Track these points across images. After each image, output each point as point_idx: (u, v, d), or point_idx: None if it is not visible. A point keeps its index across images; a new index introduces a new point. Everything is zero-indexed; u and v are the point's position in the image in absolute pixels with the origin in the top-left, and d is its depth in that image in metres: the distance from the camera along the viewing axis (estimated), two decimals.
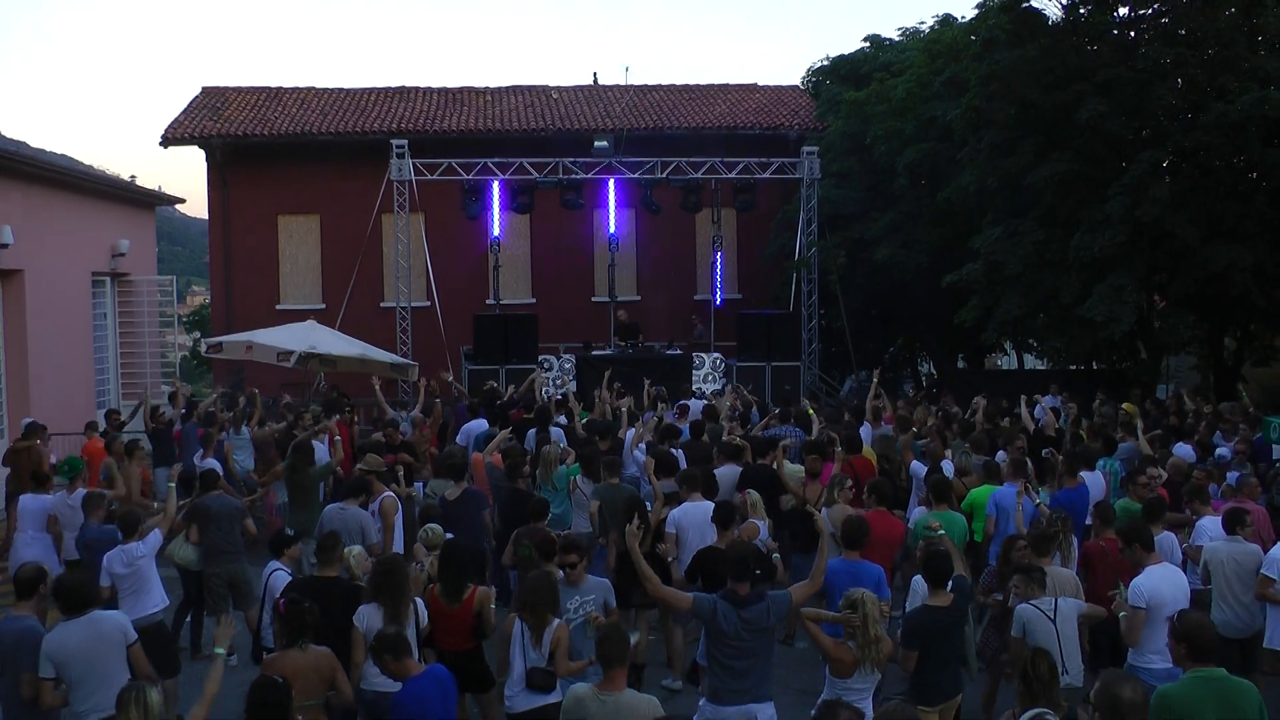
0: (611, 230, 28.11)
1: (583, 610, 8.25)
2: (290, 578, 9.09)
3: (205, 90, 32.00)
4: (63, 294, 21.26)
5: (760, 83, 34.98)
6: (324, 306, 27.77)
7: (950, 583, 7.90)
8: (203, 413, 17.11)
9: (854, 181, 27.62)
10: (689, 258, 30.25)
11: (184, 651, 11.00)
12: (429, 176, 25.80)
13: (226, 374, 24.43)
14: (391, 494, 11.43)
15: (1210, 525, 10.06)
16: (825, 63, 32.71)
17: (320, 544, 8.63)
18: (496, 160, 25.88)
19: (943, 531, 9.46)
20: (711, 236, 28.82)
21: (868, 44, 31.65)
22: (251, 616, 11.24)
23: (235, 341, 21.26)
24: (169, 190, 31.29)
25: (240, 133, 28.83)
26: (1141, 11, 21.61)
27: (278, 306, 28.52)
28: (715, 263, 28.87)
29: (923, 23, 31.28)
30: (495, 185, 26.41)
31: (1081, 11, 21.57)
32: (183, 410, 17.64)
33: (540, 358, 24.39)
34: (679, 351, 25.01)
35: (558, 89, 33.57)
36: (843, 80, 30.59)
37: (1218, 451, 14.26)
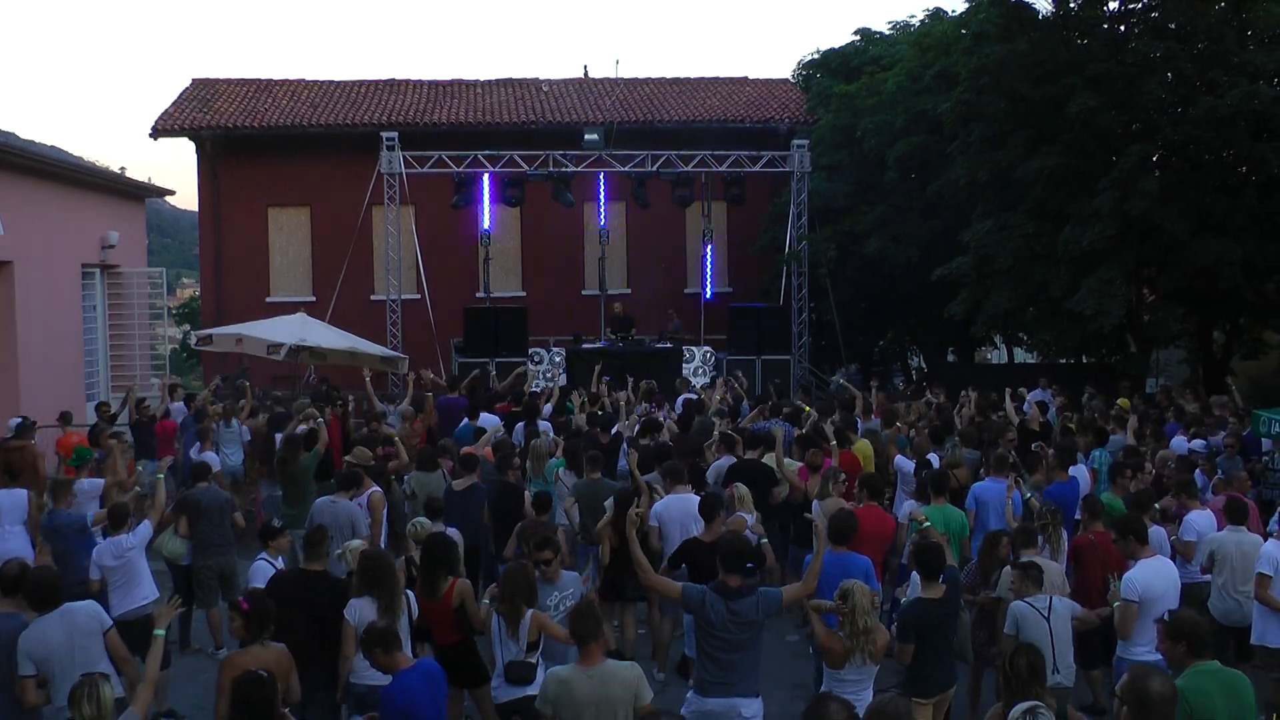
0: (602, 223, 28.10)
1: (563, 605, 8.25)
2: (272, 569, 9.11)
3: (195, 82, 31.93)
4: (52, 286, 21.21)
5: (751, 76, 35.01)
6: (314, 299, 27.73)
7: (942, 575, 7.94)
8: (198, 406, 17.11)
9: (844, 175, 27.64)
10: (679, 251, 30.25)
11: (173, 645, 11.00)
12: (419, 169, 25.77)
13: (232, 367, 24.35)
14: (379, 489, 11.43)
15: (1197, 519, 10.11)
16: (816, 56, 32.70)
17: (308, 538, 8.63)
18: (487, 153, 25.86)
19: (929, 524, 9.51)
20: (702, 229, 28.81)
21: (858, 37, 31.63)
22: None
23: (225, 334, 21.22)
24: (159, 182, 31.29)
25: (230, 124, 28.78)
26: (1131, 6, 21.66)
27: (268, 299, 28.49)
28: (705, 256, 28.85)
29: (913, 16, 31.45)
30: (485, 178, 26.40)
31: (1071, 5, 21.61)
32: (180, 403, 17.66)
33: (530, 350, 24.41)
34: (669, 345, 25.03)
35: (548, 82, 33.52)
36: (833, 73, 30.59)
37: (1191, 442, 14.35)
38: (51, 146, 42.64)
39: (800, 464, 12.21)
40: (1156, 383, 24.36)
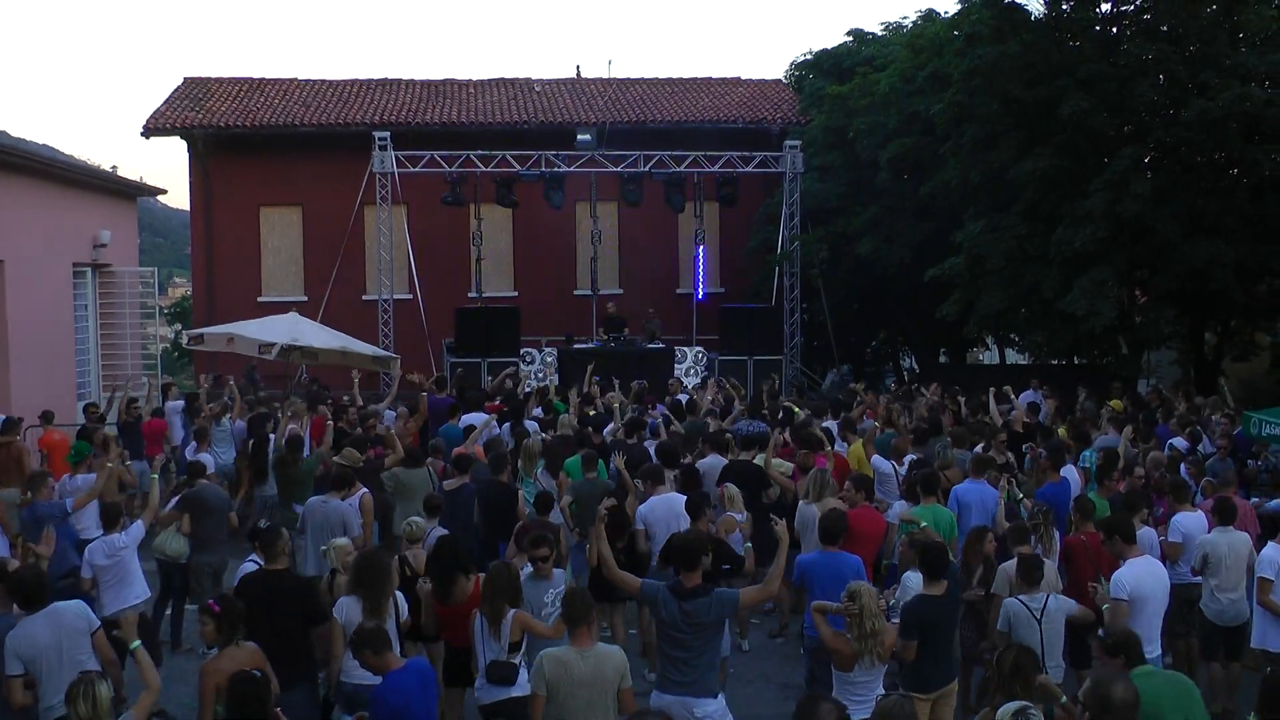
0: (594, 223, 28.12)
1: (559, 602, 8.25)
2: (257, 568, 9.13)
3: (187, 80, 31.87)
4: (43, 285, 21.17)
5: (743, 76, 35.02)
6: (306, 299, 27.70)
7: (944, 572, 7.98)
8: (198, 406, 17.11)
9: (836, 176, 27.65)
10: (671, 251, 30.24)
11: (164, 645, 11.01)
12: (411, 169, 25.77)
13: (223, 366, 24.30)
14: (369, 491, 11.43)
15: (1184, 521, 10.13)
16: (808, 56, 32.73)
17: (263, 538, 8.58)
18: (479, 153, 25.85)
19: (925, 524, 9.52)
20: (694, 230, 28.83)
21: (851, 38, 31.66)
22: None
23: (217, 333, 21.15)
24: (151, 181, 31.26)
25: (222, 124, 28.74)
26: (1123, 8, 21.68)
27: (259, 298, 28.45)
28: (698, 256, 28.87)
29: (905, 17, 31.35)
30: (477, 178, 26.39)
31: (1064, 7, 21.62)
32: (177, 402, 17.66)
33: (522, 350, 24.43)
34: (661, 345, 25.04)
35: (540, 82, 33.52)
36: (825, 74, 30.60)
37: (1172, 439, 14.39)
38: (43, 145, 42.57)
39: (793, 464, 12.22)
40: (1148, 384, 24.38)
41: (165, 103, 29.93)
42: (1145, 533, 9.72)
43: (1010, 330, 27.12)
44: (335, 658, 7.87)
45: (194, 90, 31.01)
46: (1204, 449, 14.44)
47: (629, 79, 34.23)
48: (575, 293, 29.67)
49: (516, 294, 29.37)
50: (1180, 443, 14.20)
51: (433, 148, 25.96)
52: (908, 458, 12.64)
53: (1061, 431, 14.43)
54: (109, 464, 12.38)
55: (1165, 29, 20.85)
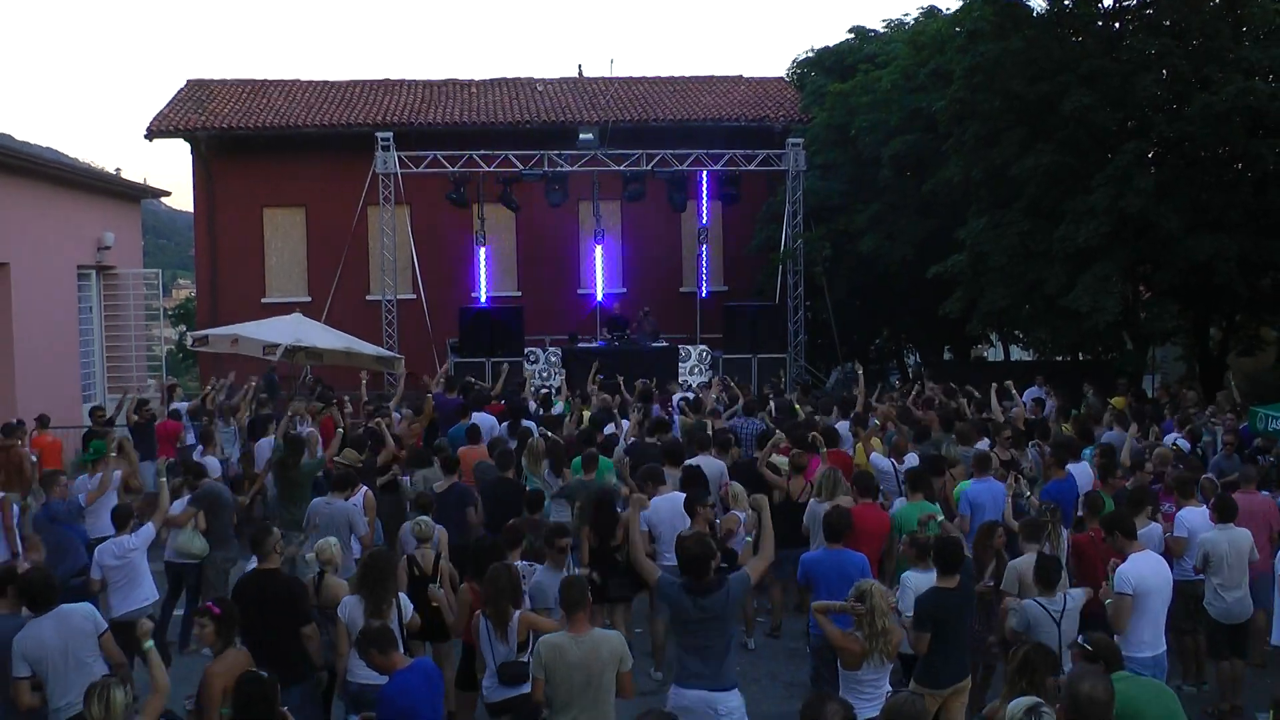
0: (597, 222, 28.13)
1: None
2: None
3: (190, 83, 31.87)
4: (48, 287, 21.23)
5: (745, 74, 34.97)
6: (310, 299, 27.72)
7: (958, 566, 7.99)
8: (193, 409, 17.12)
9: (839, 173, 27.62)
10: (675, 250, 30.22)
11: (172, 645, 11.03)
12: (414, 169, 25.78)
13: (227, 368, 24.33)
14: (369, 490, 11.46)
15: (1189, 516, 10.12)
16: (810, 54, 32.66)
17: (253, 538, 8.59)
18: (482, 153, 25.85)
19: (941, 518, 9.53)
20: (697, 228, 28.82)
21: (852, 35, 31.59)
22: None
23: (221, 335, 21.24)
24: (154, 183, 31.29)
25: (225, 125, 28.74)
26: (1126, 3, 21.64)
27: (263, 299, 28.45)
28: (701, 255, 28.88)
29: (907, 14, 31.26)
30: (480, 178, 26.40)
31: (1066, 3, 21.55)
32: (183, 404, 17.68)
33: (526, 350, 24.44)
34: (665, 344, 25.05)
35: (543, 81, 33.49)
36: (827, 72, 30.56)
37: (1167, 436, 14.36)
38: (47, 148, 42.69)
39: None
40: (1153, 380, 24.38)
41: (168, 105, 29.94)
42: (1150, 529, 9.73)
43: (1014, 327, 27.09)
44: (340, 656, 7.89)
45: (197, 92, 31.01)
46: (1204, 448, 14.45)
47: (631, 78, 34.20)
48: (579, 292, 29.67)
49: (520, 294, 29.36)
50: (1181, 441, 14.18)
51: (435, 148, 25.96)
52: (908, 456, 12.65)
53: (1066, 428, 14.41)
54: (113, 460, 12.43)
55: (1168, 23, 20.79)
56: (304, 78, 32.92)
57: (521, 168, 25.73)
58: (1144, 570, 8.20)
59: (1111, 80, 20.11)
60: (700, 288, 28.86)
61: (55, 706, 7.29)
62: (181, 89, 31.32)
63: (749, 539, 9.84)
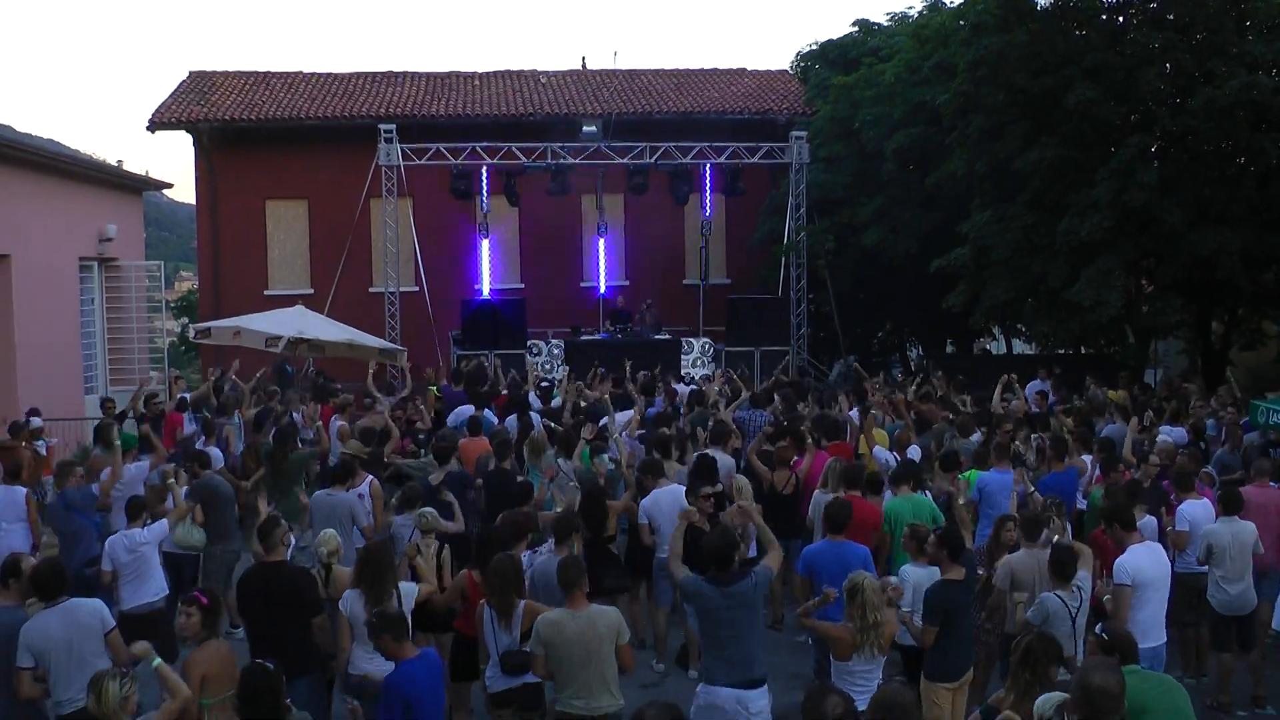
0: (600, 215, 28.09)
1: None
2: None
3: (193, 74, 31.85)
4: (50, 279, 21.22)
5: (749, 67, 34.97)
6: (312, 292, 27.71)
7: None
8: (195, 400, 17.11)
9: (842, 166, 27.61)
10: (677, 242, 30.20)
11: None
12: (417, 161, 25.76)
13: (229, 360, 24.34)
14: (376, 479, 11.45)
15: (1190, 509, 10.12)
16: (814, 47, 32.62)
17: (259, 530, 8.58)
18: (484, 145, 25.83)
19: (963, 500, 9.51)
20: (700, 221, 28.82)
21: (856, 29, 31.55)
22: (231, 597, 11.45)
23: (223, 327, 21.23)
24: (156, 175, 31.34)
25: (228, 117, 28.72)
26: None
27: (266, 292, 28.44)
28: (703, 247, 28.87)
29: (911, 7, 31.16)
30: (483, 170, 26.39)
31: None
32: (185, 394, 17.71)
33: (529, 343, 24.44)
34: (667, 336, 25.05)
35: (546, 74, 33.46)
36: (831, 65, 30.53)
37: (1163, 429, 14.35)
38: (49, 140, 42.68)
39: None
40: (1155, 374, 24.37)
41: (171, 96, 29.91)
42: (1147, 521, 9.74)
43: (1016, 321, 27.12)
44: (342, 649, 7.89)
45: (199, 84, 30.99)
46: (1208, 441, 14.43)
47: (634, 70, 34.14)
48: (582, 284, 29.67)
49: (522, 286, 29.35)
50: (1179, 433, 14.17)
51: (438, 140, 25.93)
52: (910, 448, 12.64)
53: (1068, 421, 14.41)
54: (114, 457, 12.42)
55: (1171, 17, 20.79)
56: (307, 69, 32.89)
57: (524, 160, 25.71)
58: (1143, 561, 8.23)
59: (1115, 74, 20.10)
60: (703, 280, 28.85)
61: (57, 700, 7.29)
62: (184, 81, 31.29)
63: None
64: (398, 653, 6.82)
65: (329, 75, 32.39)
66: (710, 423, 13.73)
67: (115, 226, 23.81)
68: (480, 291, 27.32)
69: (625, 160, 26.17)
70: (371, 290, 28.39)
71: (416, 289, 27.21)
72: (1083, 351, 25.72)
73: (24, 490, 11.62)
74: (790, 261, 27.03)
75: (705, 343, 25.70)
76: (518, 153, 25.76)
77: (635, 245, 29.86)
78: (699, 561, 7.77)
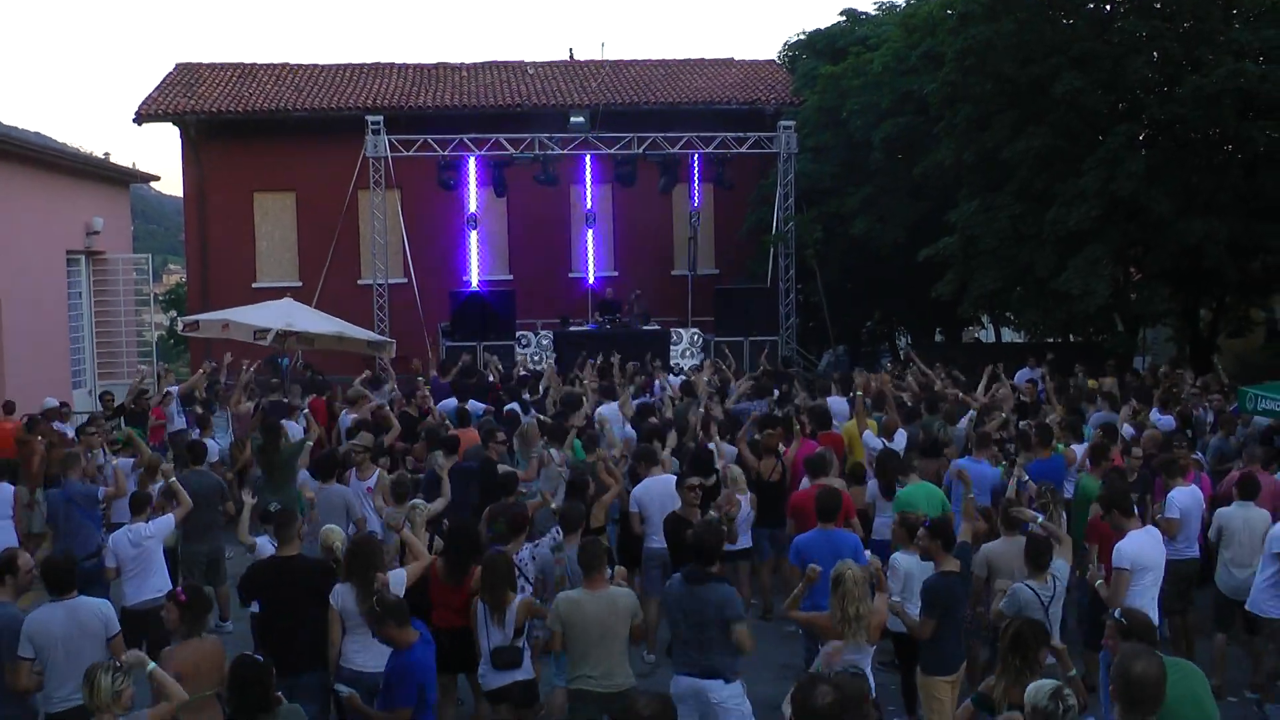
0: (588, 205, 28.05)
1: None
2: (272, 548, 9.17)
3: (179, 66, 31.73)
4: (37, 272, 21.17)
5: (737, 57, 34.90)
6: (300, 284, 27.64)
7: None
8: (183, 393, 17.09)
9: (830, 156, 27.60)
10: (666, 233, 30.19)
11: None
12: (405, 153, 25.70)
13: (219, 353, 24.25)
14: (384, 470, 11.42)
15: (1179, 496, 10.15)
16: (801, 37, 32.60)
17: (277, 523, 8.55)
18: (472, 136, 25.78)
19: (973, 492, 9.52)
20: (688, 211, 28.81)
21: (844, 18, 31.52)
22: (223, 592, 11.42)
23: (212, 320, 21.16)
24: (143, 167, 31.17)
25: (215, 109, 28.62)
26: None
27: (254, 284, 28.37)
28: (692, 238, 28.87)
29: None
30: (471, 161, 26.34)
31: None
32: (172, 388, 17.67)
33: (518, 334, 24.43)
34: (656, 327, 25.05)
35: (534, 64, 33.38)
36: (819, 54, 30.50)
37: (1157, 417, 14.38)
38: (35, 132, 42.48)
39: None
40: (1144, 362, 24.42)
41: (157, 89, 29.79)
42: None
43: (1005, 309, 27.15)
44: (333, 644, 7.87)
45: (186, 76, 30.87)
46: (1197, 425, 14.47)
47: (622, 61, 34.06)
48: (570, 275, 29.65)
49: (511, 277, 29.31)
50: (1169, 421, 14.21)
51: (426, 131, 25.87)
52: (897, 434, 12.67)
53: (1059, 409, 14.45)
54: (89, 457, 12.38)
55: (1159, 5, 20.82)
56: (293, 61, 32.79)
57: (512, 151, 25.68)
58: (1140, 546, 8.28)
59: (1102, 63, 20.13)
60: (691, 271, 28.85)
61: (49, 694, 7.25)
62: (170, 73, 31.18)
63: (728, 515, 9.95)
64: (402, 639, 6.87)
65: (316, 67, 32.29)
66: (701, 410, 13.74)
67: (102, 219, 23.76)
68: (469, 283, 27.32)
69: (613, 151, 26.14)
70: (360, 282, 28.32)
71: (405, 281, 27.16)
72: (1071, 340, 25.77)
73: (12, 489, 11.62)
74: (779, 251, 27.03)
75: (694, 333, 25.71)
76: (505, 144, 25.72)
77: (624, 236, 29.86)
78: (683, 553, 7.81)
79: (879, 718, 6.31)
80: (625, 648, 7.43)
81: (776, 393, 16.23)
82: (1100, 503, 8.96)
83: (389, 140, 25.60)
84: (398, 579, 8.06)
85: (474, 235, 27.54)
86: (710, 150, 26.61)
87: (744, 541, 11.47)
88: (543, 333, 24.92)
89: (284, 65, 32.33)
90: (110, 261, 24.67)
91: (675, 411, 14.80)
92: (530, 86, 30.95)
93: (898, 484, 10.50)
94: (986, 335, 35.54)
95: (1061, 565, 8.15)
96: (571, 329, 24.82)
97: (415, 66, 32.74)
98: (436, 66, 32.80)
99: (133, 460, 12.30)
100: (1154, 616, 8.36)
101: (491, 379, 17.74)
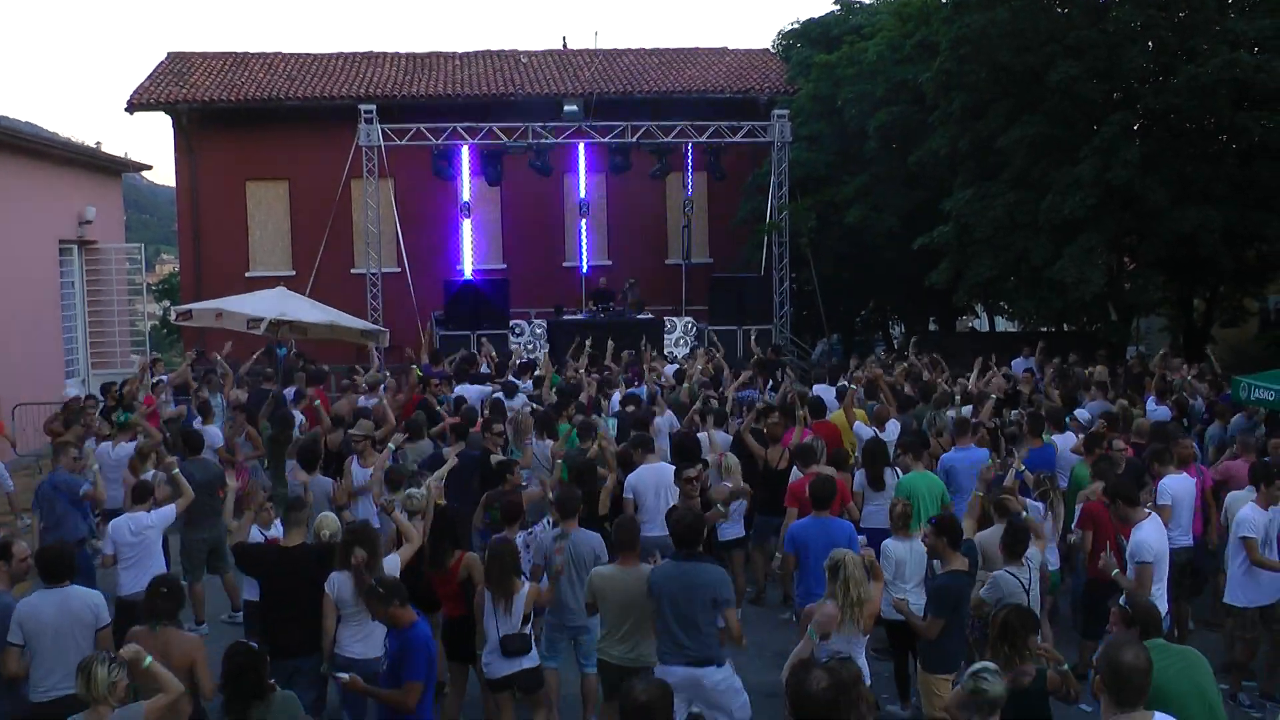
0: (582, 194, 27.99)
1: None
2: (261, 538, 9.17)
3: (171, 55, 31.64)
4: (29, 262, 21.09)
5: (731, 46, 34.82)
6: (294, 273, 27.60)
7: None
8: (175, 384, 17.06)
9: (825, 145, 27.58)
10: (660, 222, 30.16)
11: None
12: (398, 142, 25.62)
13: (210, 342, 24.17)
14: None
15: (1171, 483, 10.15)
16: (796, 26, 32.59)
17: (286, 510, 8.56)
18: (465, 125, 25.71)
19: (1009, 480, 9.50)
20: (682, 200, 28.77)
21: (838, 7, 31.53)
22: (229, 580, 11.42)
23: (205, 309, 21.16)
24: (135, 157, 31.03)
25: (207, 98, 28.54)
26: None
27: (247, 274, 28.32)
28: (686, 227, 28.83)
29: None
30: (464, 150, 26.27)
31: None
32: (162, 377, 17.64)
33: (511, 323, 24.38)
34: (650, 315, 25.03)
35: (527, 53, 33.33)
36: (813, 43, 30.48)
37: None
38: (26, 121, 42.35)
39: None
40: (1137, 350, 24.44)
41: (149, 78, 29.70)
42: None
43: (999, 298, 27.17)
44: (326, 632, 7.86)
45: (178, 65, 30.78)
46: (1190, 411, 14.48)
47: (616, 49, 34.00)
48: (564, 264, 29.60)
49: (505, 266, 29.27)
50: (1164, 411, 14.22)
51: (419, 120, 25.80)
52: (890, 423, 12.66)
53: (1058, 395, 14.49)
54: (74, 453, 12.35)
55: None
56: (286, 50, 32.74)
57: (505, 140, 25.62)
58: (1154, 536, 8.34)
59: (1098, 52, 20.11)
60: (685, 260, 28.82)
61: (36, 683, 7.22)
62: (162, 62, 31.08)
63: (718, 506, 9.94)
64: (402, 618, 6.92)
65: (308, 55, 32.22)
66: (703, 401, 13.72)
67: (94, 209, 23.67)
68: (462, 272, 27.26)
69: (607, 140, 26.09)
70: (353, 271, 28.26)
71: (398, 270, 27.08)
72: (1065, 329, 25.78)
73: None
74: (773, 240, 26.99)
75: (688, 322, 25.67)
76: (499, 133, 25.65)
77: (617, 225, 29.81)
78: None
79: (874, 702, 6.26)
80: (649, 623, 7.56)
81: (771, 382, 16.23)
82: (1108, 493, 8.95)
83: (382, 129, 25.51)
84: (390, 564, 8.06)
85: (467, 224, 27.48)
86: (704, 139, 26.56)
87: (736, 530, 11.48)
88: (536, 322, 24.86)
89: (276, 54, 32.25)
90: (103, 251, 24.60)
91: (671, 400, 14.80)
92: (523, 75, 30.89)
93: (898, 472, 10.49)
94: (981, 324, 35.57)
95: (1035, 554, 8.19)
96: (565, 318, 24.79)
97: (408, 55, 32.68)
98: (430, 55, 32.74)
99: (134, 445, 12.22)
100: (1164, 604, 8.39)
101: (486, 368, 17.71)
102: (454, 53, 33.00)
